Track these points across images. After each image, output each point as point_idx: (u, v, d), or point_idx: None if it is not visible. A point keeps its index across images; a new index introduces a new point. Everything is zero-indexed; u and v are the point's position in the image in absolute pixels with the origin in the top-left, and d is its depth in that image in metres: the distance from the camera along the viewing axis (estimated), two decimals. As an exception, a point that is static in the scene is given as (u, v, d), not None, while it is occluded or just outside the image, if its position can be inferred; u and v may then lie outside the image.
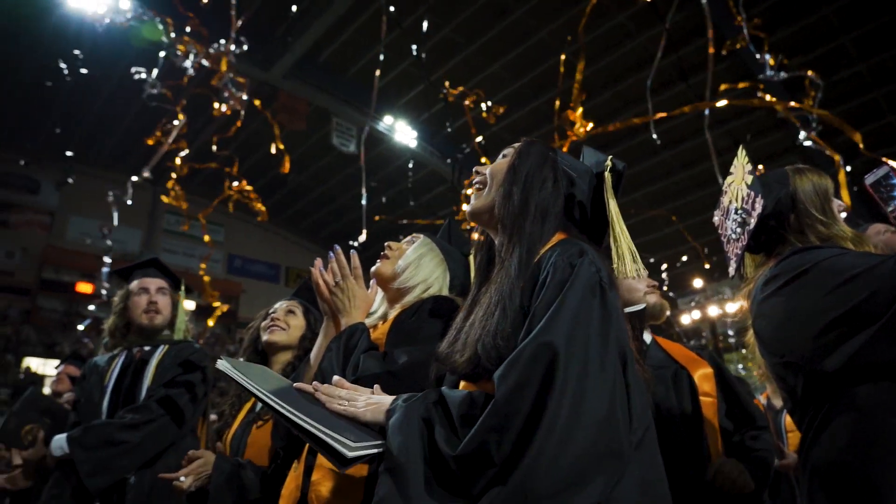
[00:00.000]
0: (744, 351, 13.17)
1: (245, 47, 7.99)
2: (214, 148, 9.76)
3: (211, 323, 8.50)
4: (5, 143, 19.20)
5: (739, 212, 1.74)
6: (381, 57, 7.83)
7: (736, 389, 2.32)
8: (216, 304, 8.80)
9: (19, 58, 15.59)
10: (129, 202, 7.82)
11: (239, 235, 23.39)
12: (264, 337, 2.37)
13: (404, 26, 13.11)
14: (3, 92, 17.06)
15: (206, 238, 10.99)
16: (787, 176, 1.75)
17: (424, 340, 1.48)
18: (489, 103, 8.27)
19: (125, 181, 11.43)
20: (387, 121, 16.85)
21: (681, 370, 2.25)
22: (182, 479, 2.02)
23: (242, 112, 8.24)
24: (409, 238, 1.91)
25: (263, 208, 9.78)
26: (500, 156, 1.47)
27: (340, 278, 1.68)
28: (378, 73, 8.01)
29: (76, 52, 11.81)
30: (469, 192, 1.54)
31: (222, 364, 1.28)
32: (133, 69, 7.92)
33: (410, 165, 15.88)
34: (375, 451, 1.09)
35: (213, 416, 3.04)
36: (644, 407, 1.11)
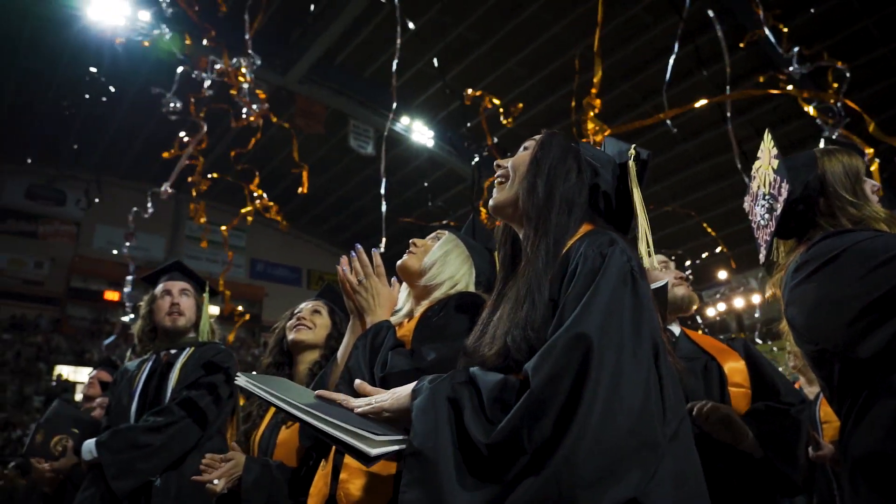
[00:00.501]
0: (770, 343, 12.96)
1: (258, 62, 8.04)
2: (233, 154, 9.84)
3: (231, 338, 8.56)
4: (31, 156, 19.59)
5: (767, 197, 1.70)
6: (396, 61, 7.81)
7: (763, 371, 2.22)
8: (238, 310, 8.88)
9: (42, 73, 15.91)
10: (151, 210, 7.91)
11: (261, 240, 23.63)
12: (290, 336, 2.36)
13: (418, 26, 13.13)
14: (27, 106, 17.43)
15: (230, 255, 11.14)
16: (814, 158, 1.70)
17: (452, 336, 1.46)
18: (502, 109, 8.21)
19: (148, 189, 11.60)
20: (403, 121, 16.90)
21: (711, 361, 2.19)
22: (215, 481, 2.02)
23: (261, 123, 8.30)
24: (433, 234, 1.89)
25: (285, 222, 9.88)
26: (521, 148, 1.44)
27: (363, 277, 1.67)
28: (395, 68, 7.99)
29: (94, 69, 12.02)
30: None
31: (241, 380, 1.26)
32: (152, 86, 8.03)
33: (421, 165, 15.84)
34: (399, 447, 1.07)
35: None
36: (678, 398, 1.09)
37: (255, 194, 8.99)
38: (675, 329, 2.35)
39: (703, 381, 2.13)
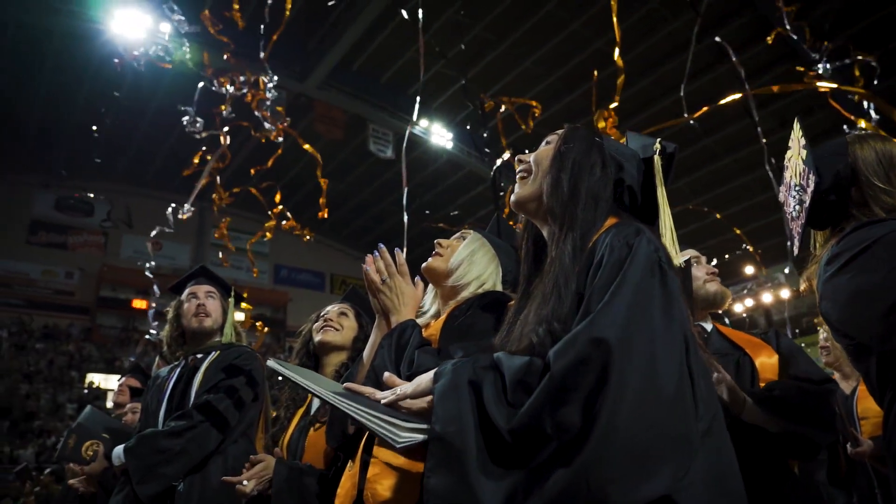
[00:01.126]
0: (799, 339, 12.72)
1: (275, 78, 8.11)
2: (253, 171, 9.96)
3: (257, 345, 8.62)
4: (59, 168, 20.02)
5: (797, 188, 1.66)
6: (423, 65, 7.80)
7: (794, 361, 2.14)
8: (259, 325, 8.93)
9: (69, 87, 16.26)
10: (174, 226, 8.01)
11: (284, 246, 23.82)
12: (318, 337, 2.36)
13: (435, 28, 13.15)
14: (55, 121, 17.83)
15: (255, 272, 11.26)
16: (845, 146, 1.64)
17: (479, 335, 1.45)
18: (519, 110, 8.17)
19: (172, 199, 11.77)
20: (422, 124, 16.93)
21: (743, 357, 2.13)
22: (245, 482, 2.03)
23: (282, 139, 8.37)
24: (458, 234, 1.88)
25: (308, 236, 9.97)
26: (543, 143, 1.42)
27: (387, 276, 1.65)
28: (422, 71, 8.00)
29: (117, 93, 12.24)
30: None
31: (272, 363, 1.27)
32: (176, 103, 8.16)
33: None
34: (424, 436, 1.05)
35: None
36: (710, 393, 1.05)
37: (277, 209, 9.06)
38: (707, 325, 2.30)
39: (736, 377, 2.07)
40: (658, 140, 1.34)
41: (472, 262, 1.74)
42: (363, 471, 1.46)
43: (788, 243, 1.67)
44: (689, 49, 7.58)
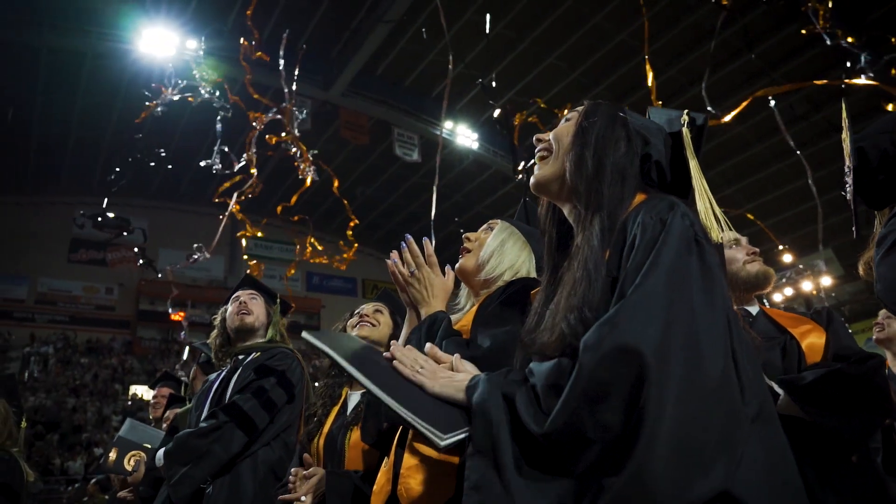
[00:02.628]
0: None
1: (305, 112, 8.23)
2: (280, 210, 10.11)
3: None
4: (95, 188, 20.58)
5: (847, 169, 1.60)
6: (451, 66, 7.77)
7: (839, 341, 2.03)
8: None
9: (102, 107, 16.70)
10: (204, 254, 8.14)
11: (314, 251, 24.07)
12: (353, 332, 2.35)
13: (456, 29, 13.15)
14: (91, 138, 18.33)
15: (289, 291, 11.40)
16: (891, 123, 1.58)
17: (508, 322, 1.41)
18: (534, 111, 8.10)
19: (204, 213, 12.03)
20: (447, 125, 16.95)
21: (790, 341, 2.03)
22: (302, 498, 1.99)
23: (309, 177, 8.47)
24: (486, 226, 1.82)
25: (344, 261, 10.08)
26: (563, 120, 1.34)
27: (415, 268, 1.61)
28: (450, 71, 7.98)
29: (149, 100, 12.51)
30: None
31: (307, 335, 1.23)
32: (205, 121, 8.34)
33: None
34: (465, 435, 1.03)
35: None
36: (756, 376, 0.98)
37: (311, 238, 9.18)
38: (753, 308, 2.20)
39: (782, 361, 1.99)
40: (685, 111, 1.28)
41: (502, 252, 1.69)
42: (397, 465, 1.45)
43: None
44: (714, 37, 7.43)
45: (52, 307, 22.30)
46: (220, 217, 7.91)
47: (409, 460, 1.41)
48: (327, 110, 16.25)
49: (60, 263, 22.59)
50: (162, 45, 13.64)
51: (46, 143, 18.43)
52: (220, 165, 7.65)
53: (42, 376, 19.14)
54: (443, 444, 1.02)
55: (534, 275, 1.67)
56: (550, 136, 1.31)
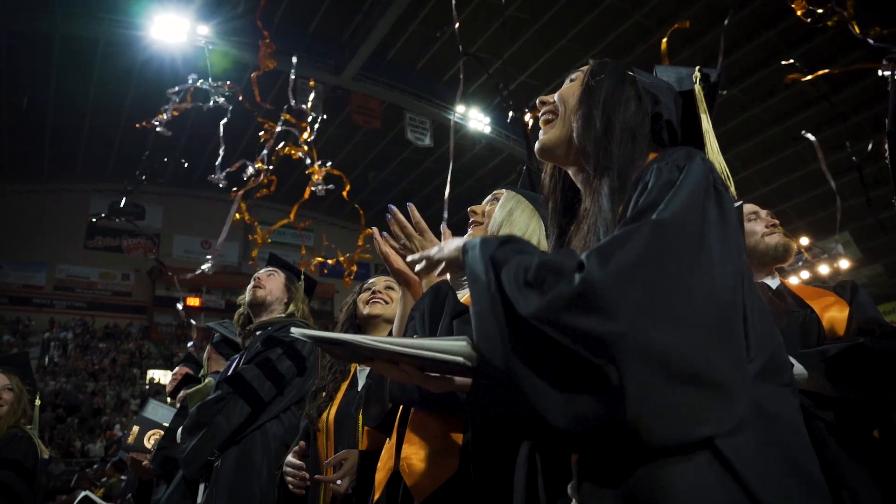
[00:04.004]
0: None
1: (316, 130, 8.20)
2: (301, 227, 10.10)
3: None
4: (110, 174, 20.74)
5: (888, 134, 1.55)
6: (461, 49, 7.68)
7: (862, 314, 1.95)
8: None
9: (116, 94, 16.76)
10: (217, 251, 8.15)
11: (328, 238, 24.16)
12: (365, 310, 2.22)
13: (468, 12, 13.02)
14: (105, 125, 18.43)
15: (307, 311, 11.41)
16: None
17: None
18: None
19: (218, 199, 12.09)
20: (459, 109, 16.85)
21: (811, 315, 1.96)
22: (338, 482, 1.92)
23: (322, 182, 8.45)
24: (490, 197, 1.76)
25: (358, 257, 10.04)
26: (567, 80, 1.27)
27: (405, 239, 1.51)
28: (462, 54, 7.90)
29: (162, 86, 12.53)
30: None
31: (296, 331, 1.14)
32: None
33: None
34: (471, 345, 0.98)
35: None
36: (767, 335, 0.92)
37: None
38: (773, 282, 2.14)
39: (801, 336, 1.93)
40: (697, 68, 1.22)
41: (511, 222, 1.62)
42: (399, 444, 1.44)
43: None
44: (730, 17, 7.28)
45: (71, 293, 22.62)
46: (233, 204, 7.94)
47: (411, 438, 1.41)
48: (339, 95, 16.21)
49: (77, 250, 22.86)
50: (174, 32, 13.65)
51: (61, 131, 18.57)
52: (227, 182, 7.67)
53: (62, 361, 19.46)
54: (461, 359, 0.96)
55: (544, 242, 1.59)
56: (555, 97, 1.25)
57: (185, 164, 17.11)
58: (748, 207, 2.20)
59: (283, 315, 2.85)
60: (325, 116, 9.20)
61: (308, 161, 7.93)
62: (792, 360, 1.77)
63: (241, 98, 8.20)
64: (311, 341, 1.10)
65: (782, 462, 0.84)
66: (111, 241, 23.49)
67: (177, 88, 7.95)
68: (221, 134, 7.85)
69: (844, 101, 14.59)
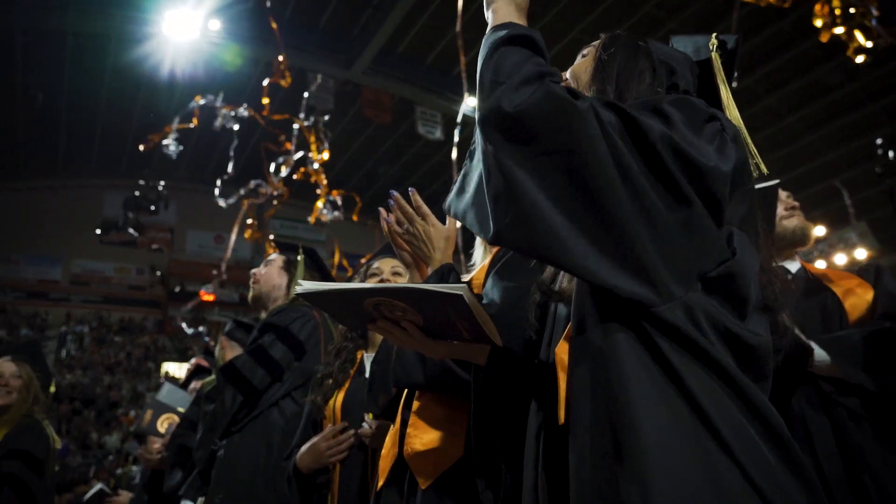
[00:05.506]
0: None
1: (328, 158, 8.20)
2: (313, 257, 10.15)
3: None
4: (124, 170, 20.89)
5: None
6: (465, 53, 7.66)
7: (888, 296, 1.88)
8: None
9: (128, 90, 16.86)
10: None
11: (340, 234, 24.22)
12: None
13: (477, 5, 12.94)
14: (118, 122, 18.56)
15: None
16: None
17: (521, 274, 1.29)
18: None
19: (230, 194, 12.13)
20: (470, 102, 16.77)
21: (832, 298, 1.91)
22: (367, 426, 1.88)
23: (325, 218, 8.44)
24: None
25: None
26: (579, 56, 1.24)
27: (407, 224, 1.52)
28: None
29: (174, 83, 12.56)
30: None
31: (300, 288, 1.12)
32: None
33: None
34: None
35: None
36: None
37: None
38: (793, 265, 2.09)
39: (822, 320, 1.89)
40: (714, 34, 1.18)
41: None
42: (403, 428, 1.44)
43: None
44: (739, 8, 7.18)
45: (87, 288, 22.85)
46: (246, 199, 8.01)
47: (416, 423, 1.40)
48: (349, 89, 16.20)
49: (93, 245, 23.07)
50: (185, 27, 13.67)
51: (75, 127, 18.71)
52: (233, 200, 7.73)
53: (78, 354, 19.70)
54: (464, 293, 0.99)
55: None
56: (567, 74, 1.22)
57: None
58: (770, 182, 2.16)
59: (286, 301, 2.80)
60: (326, 120, 9.19)
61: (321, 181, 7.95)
62: (813, 345, 1.77)
63: (249, 112, 8.22)
64: (313, 300, 1.11)
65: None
66: (126, 236, 23.68)
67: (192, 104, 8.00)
68: (232, 154, 7.89)
69: (861, 88, 14.37)
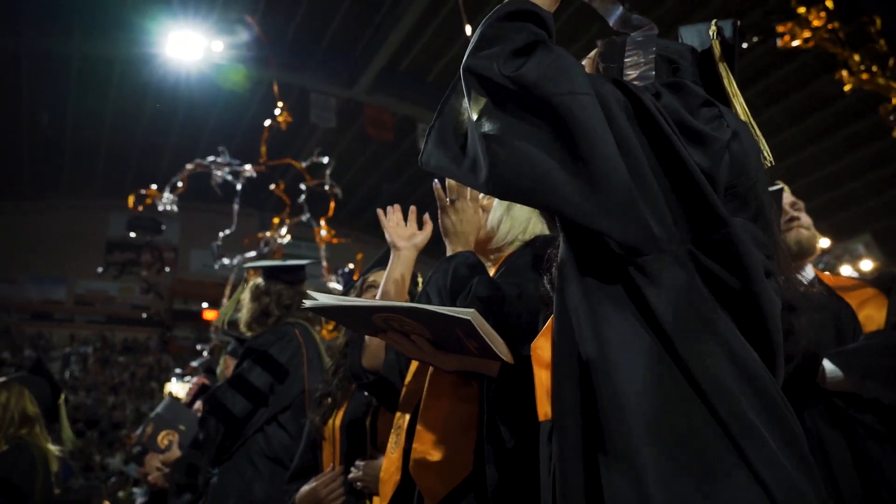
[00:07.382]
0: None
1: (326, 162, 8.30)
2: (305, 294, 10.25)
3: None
4: (128, 191, 20.94)
5: None
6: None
7: (891, 309, 1.82)
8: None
9: (132, 112, 17.01)
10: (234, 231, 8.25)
11: (339, 250, 24.19)
12: None
13: (478, 21, 13.03)
14: (122, 143, 18.69)
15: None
16: None
17: (535, 278, 1.28)
18: None
19: (232, 212, 12.13)
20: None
21: (845, 310, 1.85)
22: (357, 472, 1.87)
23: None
24: None
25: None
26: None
27: (456, 196, 1.60)
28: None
29: (176, 104, 12.64)
30: None
31: (309, 302, 1.13)
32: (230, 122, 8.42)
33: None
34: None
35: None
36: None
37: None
38: (808, 274, 2.02)
39: (835, 334, 1.83)
40: (714, 21, 1.16)
41: (511, 216, 1.59)
42: (407, 448, 1.41)
43: None
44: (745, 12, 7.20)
45: (91, 308, 22.84)
46: (248, 217, 8.02)
47: (421, 436, 1.35)
48: (351, 108, 16.30)
49: (96, 265, 23.12)
50: (188, 49, 13.79)
51: (80, 148, 18.83)
52: (236, 262, 7.82)
53: (82, 375, 19.64)
54: (472, 317, 1.00)
55: (547, 231, 1.59)
56: None
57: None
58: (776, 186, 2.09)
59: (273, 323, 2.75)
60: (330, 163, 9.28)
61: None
62: (826, 362, 1.72)
63: (243, 171, 8.30)
64: (322, 313, 1.13)
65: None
66: (130, 256, 23.73)
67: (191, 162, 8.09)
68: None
69: (862, 98, 14.39)
